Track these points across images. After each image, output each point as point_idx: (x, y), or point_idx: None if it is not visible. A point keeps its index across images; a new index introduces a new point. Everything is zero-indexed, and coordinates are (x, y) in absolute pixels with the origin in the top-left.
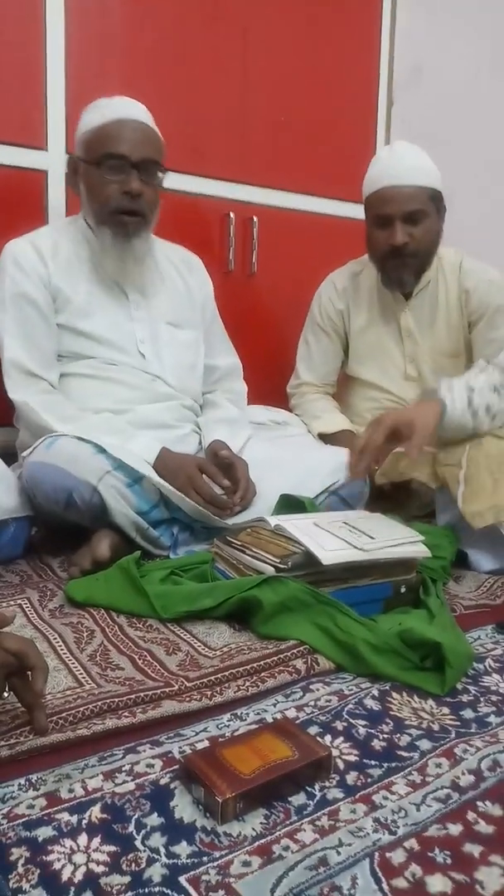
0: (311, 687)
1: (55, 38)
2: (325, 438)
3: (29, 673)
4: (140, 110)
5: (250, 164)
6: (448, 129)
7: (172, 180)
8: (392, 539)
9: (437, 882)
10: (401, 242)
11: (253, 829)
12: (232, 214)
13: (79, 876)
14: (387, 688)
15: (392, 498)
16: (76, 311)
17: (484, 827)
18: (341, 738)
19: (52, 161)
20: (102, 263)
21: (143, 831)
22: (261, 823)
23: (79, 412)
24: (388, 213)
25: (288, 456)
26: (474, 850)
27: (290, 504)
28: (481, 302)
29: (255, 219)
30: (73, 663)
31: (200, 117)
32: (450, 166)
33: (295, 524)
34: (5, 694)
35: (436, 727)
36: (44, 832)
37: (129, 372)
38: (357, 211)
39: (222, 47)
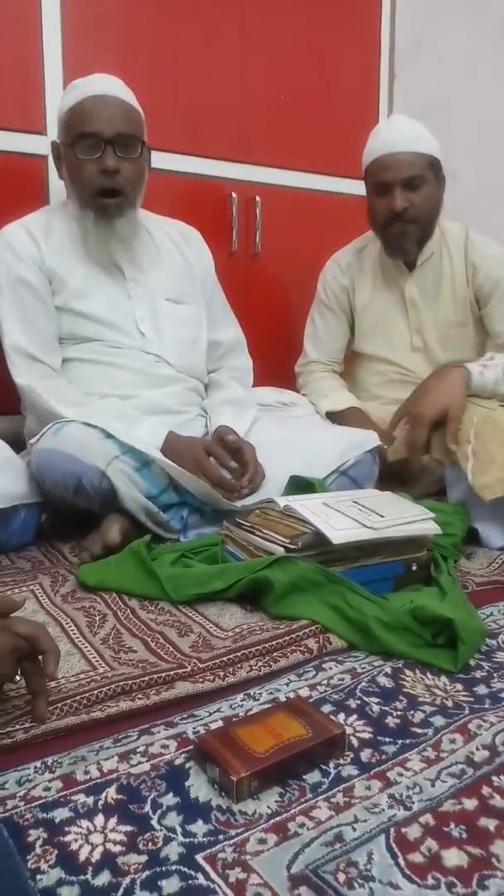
0: (323, 666)
1: (51, 21)
2: (333, 417)
3: (40, 657)
4: (114, 85)
5: (252, 143)
6: (451, 100)
7: (173, 162)
8: (402, 517)
9: (452, 856)
10: (400, 208)
11: (268, 807)
12: (234, 194)
13: (96, 856)
14: (399, 665)
15: (402, 476)
16: (73, 293)
17: (499, 801)
18: (355, 716)
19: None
20: (87, 245)
21: (158, 811)
22: (276, 801)
23: (84, 396)
24: (386, 179)
25: (296, 437)
26: (489, 824)
27: (299, 485)
28: (488, 277)
29: (257, 198)
30: (87, 647)
31: (200, 97)
32: (453, 138)
33: (304, 504)
34: (17, 678)
35: (449, 703)
36: (60, 813)
37: (130, 356)
38: (362, 187)
39: (219, 26)
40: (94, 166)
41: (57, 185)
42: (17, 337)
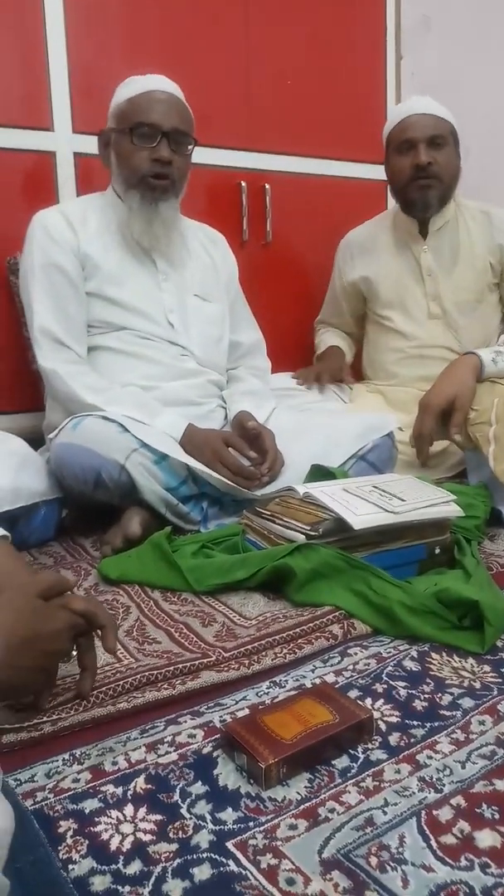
0: (348, 651)
1: (54, 17)
2: (320, 361)
3: (96, 633)
4: (171, 84)
5: (259, 130)
6: (459, 81)
7: None
8: (423, 500)
9: (486, 837)
10: (425, 161)
11: (297, 793)
12: (243, 183)
13: (127, 845)
14: (426, 648)
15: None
16: (106, 278)
17: None
18: (382, 701)
19: (59, 142)
20: (129, 227)
21: (188, 800)
22: (305, 787)
23: (106, 383)
24: (411, 136)
25: (313, 423)
26: None
27: (321, 474)
28: None
29: (267, 186)
30: None
31: (206, 87)
32: (463, 117)
33: (324, 491)
34: (74, 653)
35: (477, 685)
36: (90, 804)
37: (157, 347)
38: (371, 171)
39: (223, 14)
40: (148, 154)
41: (65, 181)
42: (46, 320)
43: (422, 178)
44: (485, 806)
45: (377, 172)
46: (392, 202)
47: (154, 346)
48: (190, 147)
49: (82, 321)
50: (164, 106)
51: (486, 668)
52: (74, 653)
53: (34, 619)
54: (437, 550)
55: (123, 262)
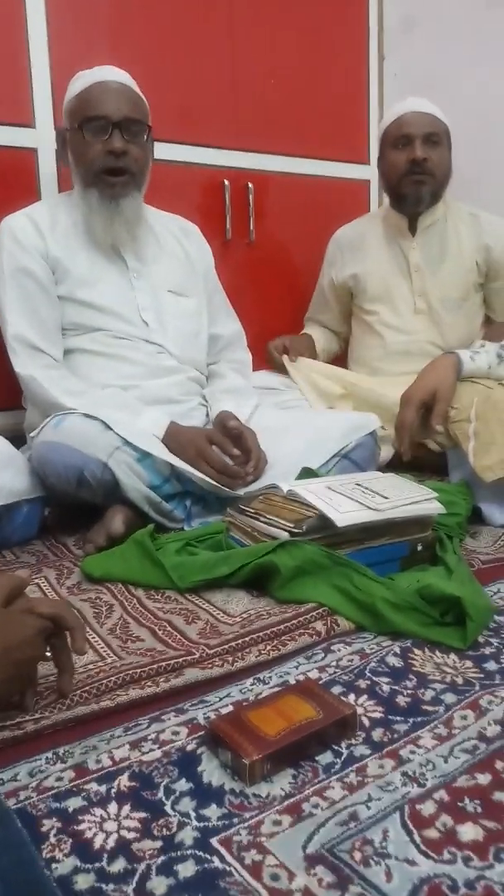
0: (332, 648)
1: (35, 11)
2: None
3: (67, 634)
4: (121, 74)
5: (243, 129)
6: (442, 83)
7: (164, 150)
8: (406, 498)
9: (468, 830)
10: (421, 157)
11: (281, 788)
12: (227, 182)
13: (111, 843)
14: (408, 645)
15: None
16: (77, 282)
17: None
18: (365, 696)
19: (42, 138)
20: (91, 226)
21: (172, 797)
22: (289, 783)
23: (86, 386)
24: (409, 132)
25: (297, 422)
26: None
27: (310, 476)
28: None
29: (250, 185)
30: (94, 638)
31: (190, 85)
32: (447, 120)
33: (308, 488)
34: (48, 654)
35: (459, 680)
36: (73, 803)
37: (133, 346)
38: (355, 171)
39: (208, 12)
40: (102, 147)
41: (47, 177)
42: (19, 326)
43: (416, 173)
44: (467, 800)
45: (360, 172)
46: (376, 203)
47: (130, 346)
48: (146, 136)
49: (56, 325)
50: (112, 95)
51: (468, 663)
52: (48, 654)
53: (3, 631)
54: (420, 547)
55: (93, 263)
